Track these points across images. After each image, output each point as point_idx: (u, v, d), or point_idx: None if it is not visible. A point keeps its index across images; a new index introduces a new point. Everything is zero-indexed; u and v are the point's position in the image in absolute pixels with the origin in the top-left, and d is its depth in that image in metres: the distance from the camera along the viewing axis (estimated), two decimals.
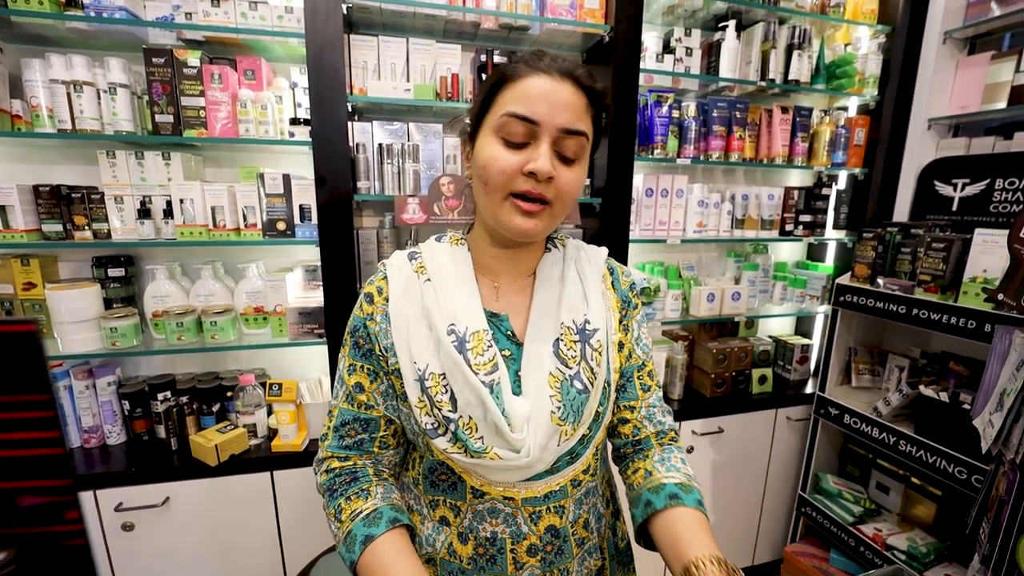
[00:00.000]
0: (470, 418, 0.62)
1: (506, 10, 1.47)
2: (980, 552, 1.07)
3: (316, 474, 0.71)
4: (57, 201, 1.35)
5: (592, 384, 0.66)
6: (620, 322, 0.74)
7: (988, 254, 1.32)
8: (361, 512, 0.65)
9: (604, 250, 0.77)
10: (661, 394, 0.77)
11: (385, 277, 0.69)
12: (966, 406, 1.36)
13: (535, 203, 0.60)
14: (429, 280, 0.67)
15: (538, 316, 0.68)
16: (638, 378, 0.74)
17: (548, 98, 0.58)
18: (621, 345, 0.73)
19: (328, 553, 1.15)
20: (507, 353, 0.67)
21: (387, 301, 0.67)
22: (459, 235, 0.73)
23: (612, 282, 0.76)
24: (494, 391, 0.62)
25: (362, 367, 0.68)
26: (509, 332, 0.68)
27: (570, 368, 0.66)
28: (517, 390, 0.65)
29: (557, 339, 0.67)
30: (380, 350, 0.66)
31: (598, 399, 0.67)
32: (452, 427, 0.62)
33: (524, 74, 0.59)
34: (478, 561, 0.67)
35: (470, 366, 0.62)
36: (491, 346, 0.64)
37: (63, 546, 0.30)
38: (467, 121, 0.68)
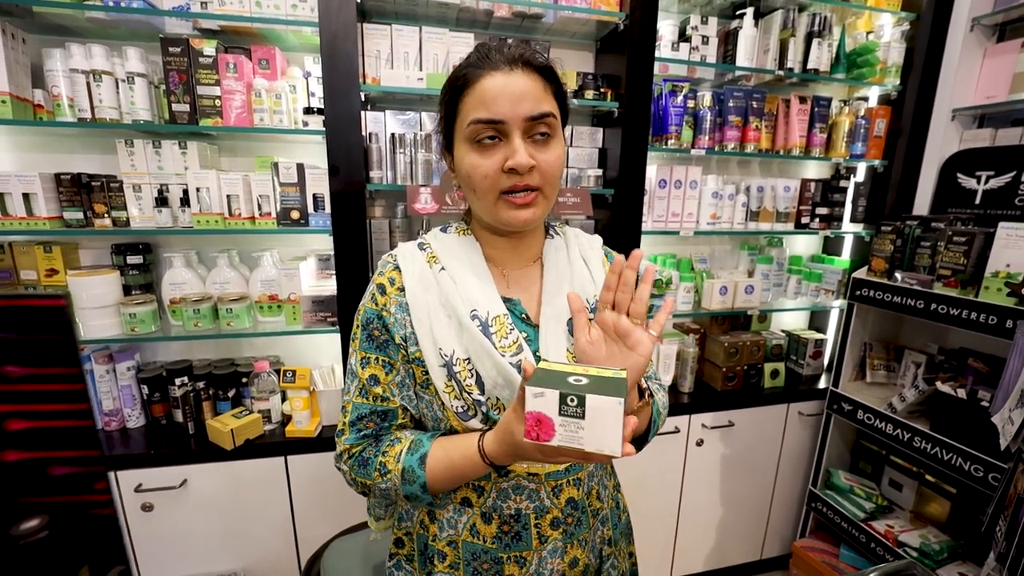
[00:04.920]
0: (497, 399, 0.65)
1: None
2: (996, 550, 1.06)
3: (340, 468, 0.71)
4: (78, 189, 1.37)
5: None
6: None
7: (1013, 248, 1.29)
8: (402, 450, 0.66)
9: (599, 238, 0.82)
10: (656, 370, 0.81)
11: (396, 267, 0.69)
12: (984, 403, 1.34)
13: (526, 193, 0.63)
14: (444, 269, 0.68)
15: (550, 297, 0.71)
16: None
17: (505, 93, 0.60)
18: None
19: (340, 536, 1.17)
20: (524, 335, 0.68)
21: (401, 291, 0.67)
22: (464, 226, 0.74)
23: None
24: (521, 372, 0.64)
25: (376, 359, 0.68)
26: (523, 315, 0.70)
27: None
28: None
29: (571, 318, 0.69)
30: (400, 339, 0.67)
31: None
32: (483, 409, 0.64)
33: (477, 76, 0.61)
34: (503, 539, 0.68)
35: (496, 349, 0.64)
36: (513, 329, 0.67)
37: (92, 515, 0.31)
38: (439, 135, 0.71)
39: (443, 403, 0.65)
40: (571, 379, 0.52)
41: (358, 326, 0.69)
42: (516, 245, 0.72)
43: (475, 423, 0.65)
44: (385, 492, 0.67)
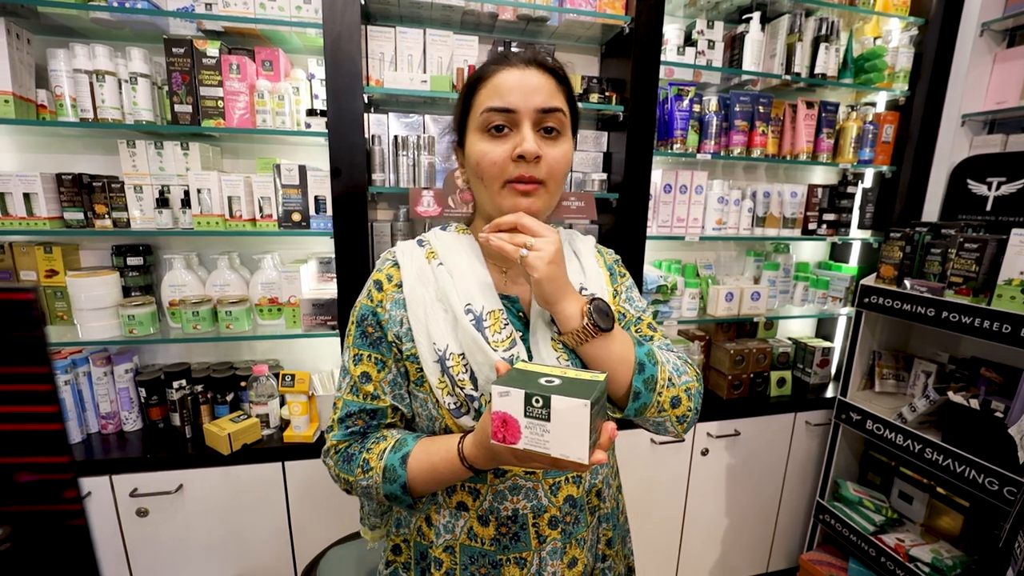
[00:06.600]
0: (491, 394, 0.63)
1: (524, 0, 1.45)
2: (1015, 568, 1.02)
3: (326, 463, 0.72)
4: (79, 189, 1.36)
5: None
6: (612, 292, 0.78)
7: None
8: (386, 448, 0.66)
9: (592, 238, 0.83)
10: (668, 342, 0.77)
11: (395, 264, 0.70)
12: (999, 414, 1.30)
13: (530, 184, 0.64)
14: (442, 264, 0.69)
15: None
16: (636, 331, 0.77)
17: (520, 86, 0.63)
18: None
19: (337, 544, 1.14)
20: (520, 334, 0.68)
21: (398, 288, 0.68)
22: (464, 226, 0.75)
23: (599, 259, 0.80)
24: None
25: (369, 356, 0.68)
26: (520, 313, 0.70)
27: None
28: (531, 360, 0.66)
29: None
30: (393, 337, 0.67)
31: None
32: (476, 405, 0.64)
33: (493, 72, 0.64)
34: (501, 541, 0.67)
35: (489, 343, 0.64)
36: (507, 324, 0.66)
37: (64, 526, 0.29)
38: (454, 134, 0.73)
39: (437, 400, 0.65)
40: (543, 380, 0.50)
41: (353, 322, 0.70)
42: None
43: (467, 420, 0.65)
44: (367, 490, 0.67)
